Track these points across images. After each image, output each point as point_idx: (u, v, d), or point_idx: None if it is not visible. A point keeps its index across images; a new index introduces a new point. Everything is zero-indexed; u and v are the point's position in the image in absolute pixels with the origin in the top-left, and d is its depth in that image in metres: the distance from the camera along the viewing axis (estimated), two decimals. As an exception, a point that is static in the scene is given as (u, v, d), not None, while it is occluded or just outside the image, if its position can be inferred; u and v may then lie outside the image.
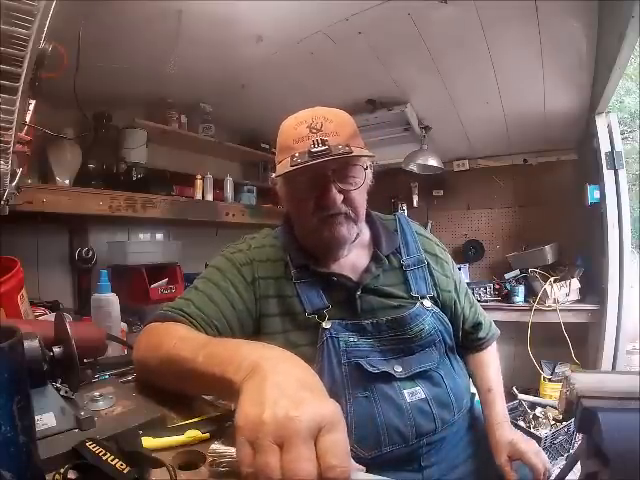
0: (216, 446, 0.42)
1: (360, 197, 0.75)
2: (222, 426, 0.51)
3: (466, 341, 0.88)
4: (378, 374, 0.70)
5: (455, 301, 0.84)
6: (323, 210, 0.73)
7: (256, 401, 0.36)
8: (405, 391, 0.71)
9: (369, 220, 0.85)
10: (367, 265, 0.78)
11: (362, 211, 0.77)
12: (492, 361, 0.90)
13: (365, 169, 0.76)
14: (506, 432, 0.79)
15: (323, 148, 0.68)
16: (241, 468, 0.33)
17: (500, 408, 0.83)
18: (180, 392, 0.59)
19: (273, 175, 0.82)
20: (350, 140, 0.72)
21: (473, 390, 0.88)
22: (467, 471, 0.77)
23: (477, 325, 0.89)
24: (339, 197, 0.72)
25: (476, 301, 0.92)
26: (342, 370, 0.70)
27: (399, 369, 0.72)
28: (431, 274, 0.82)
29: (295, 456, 0.31)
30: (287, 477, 0.31)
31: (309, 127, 0.71)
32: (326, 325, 0.72)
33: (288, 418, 0.33)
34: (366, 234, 0.84)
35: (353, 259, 0.80)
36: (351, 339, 0.73)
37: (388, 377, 0.71)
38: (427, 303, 0.78)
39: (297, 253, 0.79)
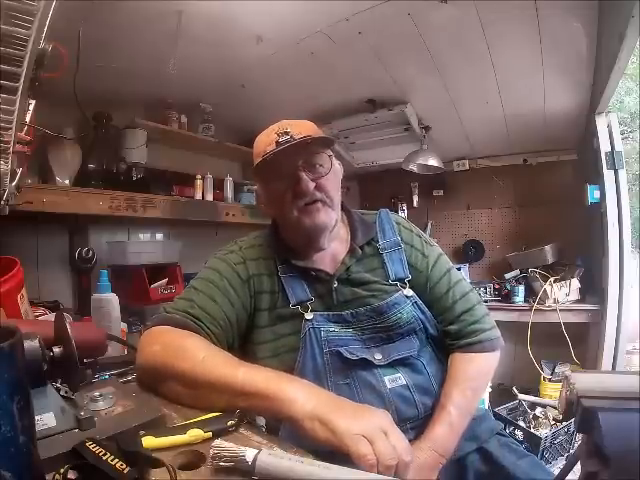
0: (219, 441, 0.45)
1: (331, 184, 0.81)
2: (223, 426, 0.51)
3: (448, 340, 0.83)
4: (357, 361, 0.74)
5: (421, 294, 0.82)
6: (300, 199, 0.78)
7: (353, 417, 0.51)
8: (386, 378, 0.74)
9: (347, 215, 0.90)
10: (343, 257, 0.83)
11: (336, 198, 0.82)
12: (465, 377, 0.77)
13: (330, 156, 0.82)
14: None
15: (287, 137, 0.77)
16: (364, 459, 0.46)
17: (436, 432, 0.70)
18: (196, 403, 0.59)
19: (254, 187, 0.92)
20: (313, 134, 0.79)
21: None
22: (465, 452, 0.78)
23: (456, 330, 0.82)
24: (311, 184, 0.77)
25: (475, 305, 0.84)
26: (324, 358, 0.74)
27: (379, 356, 0.75)
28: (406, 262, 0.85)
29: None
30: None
31: (276, 133, 0.79)
32: (308, 316, 0.77)
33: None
34: (344, 229, 0.88)
35: (333, 252, 0.84)
36: (332, 329, 0.77)
37: (368, 364, 0.74)
38: (409, 292, 0.81)
39: (281, 250, 0.84)
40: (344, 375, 0.74)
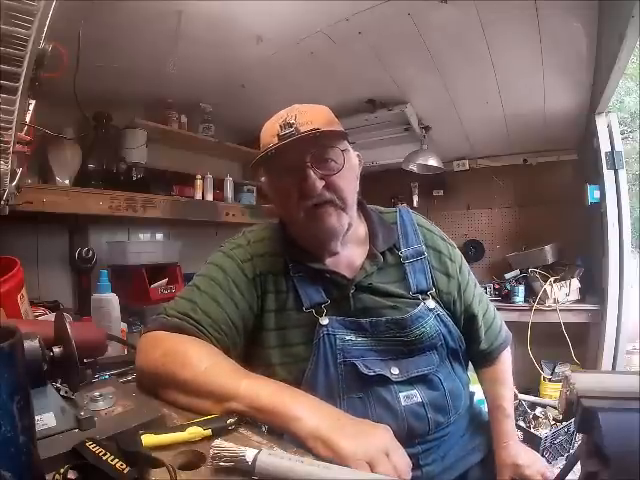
0: (219, 441, 0.44)
1: (345, 183, 0.72)
2: (223, 424, 0.51)
3: (472, 354, 0.86)
4: (373, 376, 0.69)
5: (455, 301, 0.80)
6: (307, 199, 0.70)
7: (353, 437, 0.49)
8: (401, 394, 0.70)
9: (365, 214, 0.83)
10: (362, 262, 0.76)
11: (350, 198, 0.74)
12: (503, 376, 0.87)
13: (343, 151, 0.73)
14: (512, 452, 0.79)
15: (290, 130, 0.68)
16: None
17: (508, 427, 0.82)
18: (197, 410, 0.58)
19: (255, 185, 0.85)
20: (324, 126, 0.70)
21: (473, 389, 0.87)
22: (471, 464, 0.77)
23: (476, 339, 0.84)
24: (319, 183, 0.69)
25: (490, 310, 0.87)
26: (337, 370, 0.69)
27: (396, 371, 0.70)
28: (430, 271, 0.79)
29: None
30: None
31: (280, 124, 0.70)
32: (323, 321, 0.70)
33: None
34: (362, 229, 0.81)
35: (349, 256, 0.77)
36: (348, 337, 0.71)
37: (384, 380, 0.70)
38: (431, 304, 0.75)
39: (291, 248, 0.77)
40: (358, 389, 0.70)
